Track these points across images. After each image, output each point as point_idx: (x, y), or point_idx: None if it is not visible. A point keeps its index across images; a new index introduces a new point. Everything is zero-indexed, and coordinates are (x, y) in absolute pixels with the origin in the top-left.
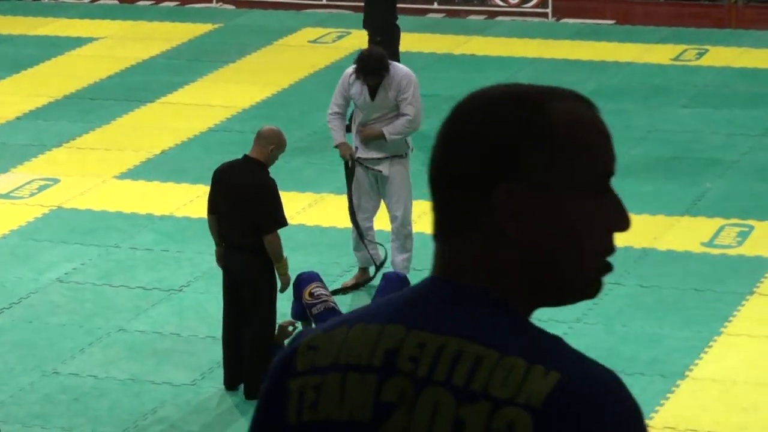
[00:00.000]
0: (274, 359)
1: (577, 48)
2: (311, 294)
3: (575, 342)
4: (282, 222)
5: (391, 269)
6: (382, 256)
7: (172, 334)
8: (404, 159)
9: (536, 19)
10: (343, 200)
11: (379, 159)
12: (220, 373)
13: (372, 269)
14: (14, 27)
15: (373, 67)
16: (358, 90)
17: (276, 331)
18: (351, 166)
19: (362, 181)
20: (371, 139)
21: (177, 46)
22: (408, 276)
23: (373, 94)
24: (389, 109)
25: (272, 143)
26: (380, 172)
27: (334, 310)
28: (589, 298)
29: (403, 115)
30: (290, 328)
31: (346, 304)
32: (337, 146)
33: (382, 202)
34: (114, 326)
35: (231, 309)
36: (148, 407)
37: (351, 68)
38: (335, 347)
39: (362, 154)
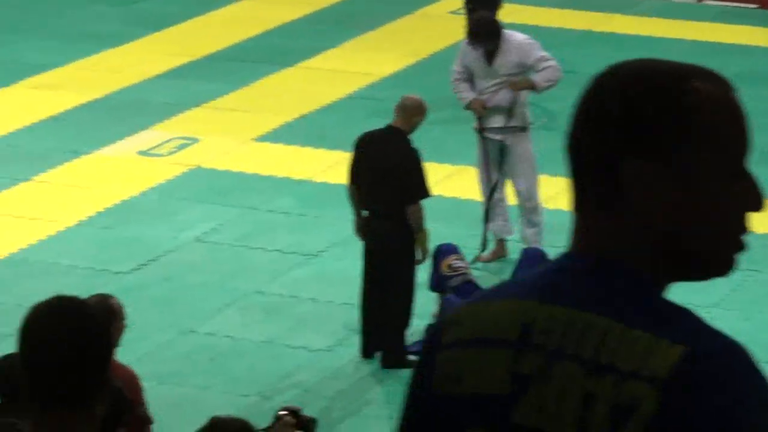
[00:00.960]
0: (427, 332)
1: (720, 30)
2: (450, 266)
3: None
4: (426, 193)
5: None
6: (513, 231)
7: (310, 298)
8: (526, 132)
9: (680, 0)
10: None
11: (500, 128)
12: (356, 340)
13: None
14: None
15: (484, 30)
16: (475, 57)
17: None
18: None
19: (488, 152)
20: (522, 89)
21: (319, 11)
22: (544, 250)
23: (490, 60)
24: (508, 74)
25: (416, 113)
26: (502, 141)
27: (471, 283)
28: (722, 276)
29: (545, 67)
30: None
31: (483, 277)
32: (467, 105)
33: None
34: (251, 288)
35: (370, 278)
36: (284, 370)
37: (465, 40)
38: (477, 322)
39: (484, 124)
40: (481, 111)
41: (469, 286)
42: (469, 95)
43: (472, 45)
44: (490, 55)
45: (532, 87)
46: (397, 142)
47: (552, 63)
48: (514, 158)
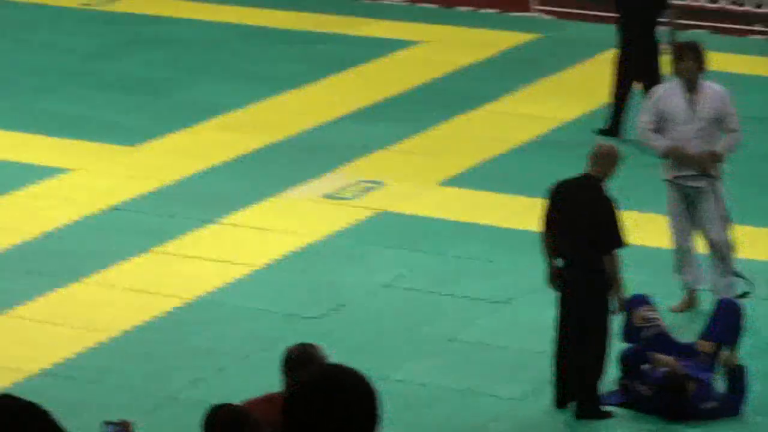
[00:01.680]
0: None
1: None
2: (643, 318)
3: None
4: (623, 242)
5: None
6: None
7: (501, 346)
8: (719, 180)
9: None
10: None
11: (695, 176)
12: (549, 390)
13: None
14: (336, 26)
15: (692, 46)
16: (674, 102)
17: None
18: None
19: (678, 201)
20: (710, 163)
21: (499, 54)
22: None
23: (692, 106)
24: (707, 121)
25: (611, 161)
26: (698, 188)
27: (664, 334)
28: None
29: (732, 130)
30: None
31: (674, 327)
32: (664, 152)
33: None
34: (443, 335)
35: (565, 327)
36: (477, 420)
37: (660, 86)
38: None
39: (676, 171)
40: (679, 155)
41: (662, 338)
42: (664, 143)
43: (679, 57)
44: (690, 99)
45: (719, 159)
46: (592, 190)
47: (736, 126)
48: (706, 206)
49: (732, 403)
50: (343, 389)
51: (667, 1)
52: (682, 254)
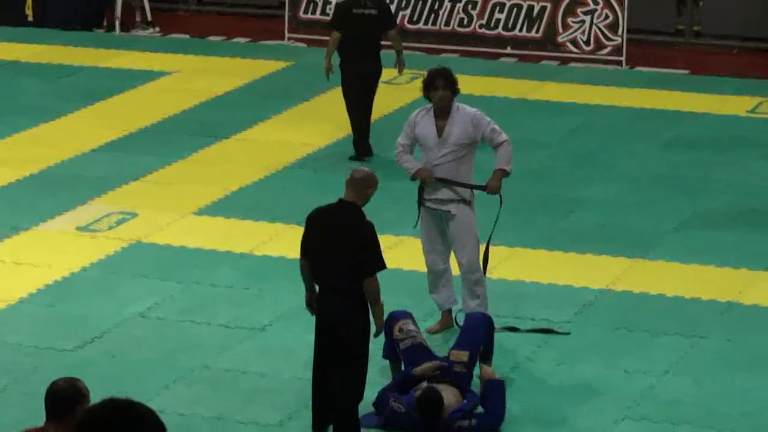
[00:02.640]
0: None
1: (651, 96)
2: (400, 329)
3: (664, 395)
4: (382, 265)
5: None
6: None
7: (257, 373)
8: (470, 204)
9: (610, 66)
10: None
11: (444, 201)
12: (306, 414)
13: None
14: (86, 58)
15: (442, 71)
16: (425, 127)
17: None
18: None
19: (431, 224)
20: (497, 188)
21: (250, 83)
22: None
23: (440, 131)
24: (457, 146)
25: (368, 185)
26: (449, 212)
27: (422, 346)
28: None
29: (500, 143)
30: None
31: (434, 345)
32: (414, 175)
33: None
34: (198, 363)
35: (323, 352)
36: None
37: (417, 111)
38: None
39: (428, 195)
40: (430, 180)
41: (419, 348)
42: (415, 165)
43: (432, 85)
44: (440, 129)
45: (506, 176)
46: (351, 216)
47: (504, 138)
48: (459, 230)
49: (488, 421)
50: (135, 422)
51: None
52: (435, 276)
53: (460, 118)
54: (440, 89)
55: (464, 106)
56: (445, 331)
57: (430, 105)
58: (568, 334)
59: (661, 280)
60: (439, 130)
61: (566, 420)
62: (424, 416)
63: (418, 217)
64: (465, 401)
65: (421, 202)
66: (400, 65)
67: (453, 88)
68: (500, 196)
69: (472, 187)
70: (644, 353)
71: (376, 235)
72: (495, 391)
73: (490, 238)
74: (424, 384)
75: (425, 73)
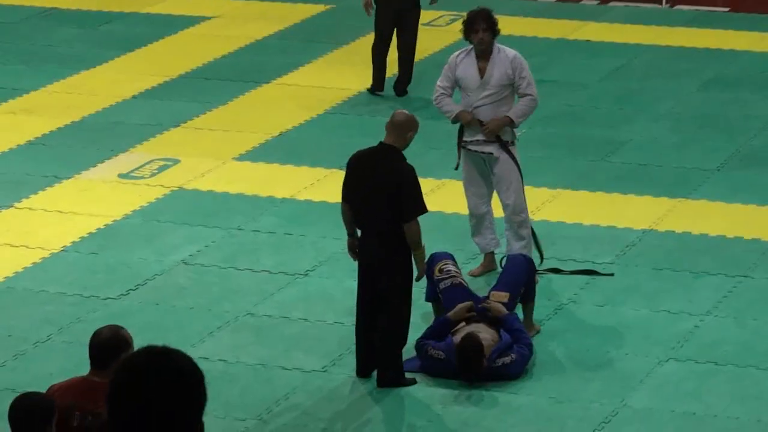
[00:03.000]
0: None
1: (692, 35)
2: (440, 270)
3: (707, 335)
4: (423, 209)
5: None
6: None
7: (300, 319)
8: (513, 145)
9: (650, 5)
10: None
11: (486, 141)
12: (350, 360)
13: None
14: (125, 5)
15: (484, 13)
16: (466, 69)
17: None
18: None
19: (472, 167)
20: (499, 130)
21: (289, 27)
22: (528, 256)
23: (482, 73)
24: (498, 87)
25: (409, 129)
26: (490, 153)
27: (461, 286)
28: None
29: (525, 95)
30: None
31: (476, 288)
32: (456, 117)
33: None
34: (241, 310)
35: (366, 297)
36: (279, 393)
37: (457, 52)
38: None
39: (468, 137)
40: (470, 122)
41: (457, 290)
42: (455, 108)
43: (472, 28)
44: (482, 70)
45: (510, 124)
46: (391, 160)
47: (532, 92)
48: (502, 171)
49: (521, 352)
50: (171, 370)
51: None
52: (477, 219)
53: (500, 60)
54: (481, 32)
55: (505, 48)
56: (487, 274)
57: (470, 47)
58: (612, 275)
59: (704, 219)
60: (481, 72)
61: (610, 362)
62: (465, 363)
63: (459, 158)
64: (501, 340)
65: (461, 145)
66: None
67: (494, 30)
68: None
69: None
70: (687, 294)
71: (417, 178)
72: (510, 323)
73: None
74: (463, 326)
75: (465, 14)
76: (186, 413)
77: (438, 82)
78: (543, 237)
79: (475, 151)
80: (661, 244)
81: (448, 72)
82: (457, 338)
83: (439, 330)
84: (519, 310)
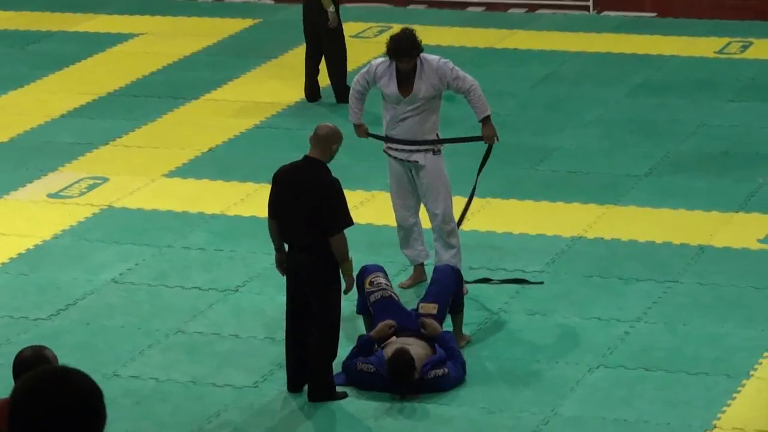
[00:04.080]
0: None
1: (619, 41)
2: (371, 282)
3: (637, 341)
4: (349, 222)
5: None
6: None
7: (231, 335)
8: (439, 154)
9: (577, 12)
10: None
11: (411, 150)
12: (281, 375)
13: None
14: (54, 23)
15: (406, 47)
16: (389, 84)
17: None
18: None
19: (400, 176)
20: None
21: (218, 42)
22: (455, 266)
23: (403, 86)
24: (426, 100)
25: (333, 141)
26: (416, 162)
27: (392, 299)
28: None
29: (469, 88)
30: (390, 330)
31: (407, 300)
32: (355, 126)
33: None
34: (172, 328)
35: (295, 311)
36: (211, 410)
37: (380, 60)
38: None
39: (395, 143)
40: (364, 136)
41: (387, 302)
42: (358, 119)
43: (392, 61)
44: (406, 78)
45: (490, 119)
46: (316, 173)
47: (471, 82)
48: (430, 180)
49: (456, 367)
50: (67, 389)
51: None
52: (406, 231)
53: (426, 73)
54: (404, 62)
55: (427, 57)
56: (417, 285)
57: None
58: (542, 283)
59: (633, 225)
60: (405, 88)
61: (541, 371)
62: (396, 376)
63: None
64: (436, 354)
65: (385, 151)
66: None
67: (417, 55)
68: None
69: (469, 140)
70: (617, 300)
71: (342, 191)
72: (445, 341)
73: (474, 187)
74: (393, 340)
75: (390, 34)
76: (84, 429)
77: (355, 84)
78: (473, 247)
79: (401, 160)
80: (590, 251)
81: (367, 77)
82: (388, 351)
83: (364, 349)
84: (448, 322)
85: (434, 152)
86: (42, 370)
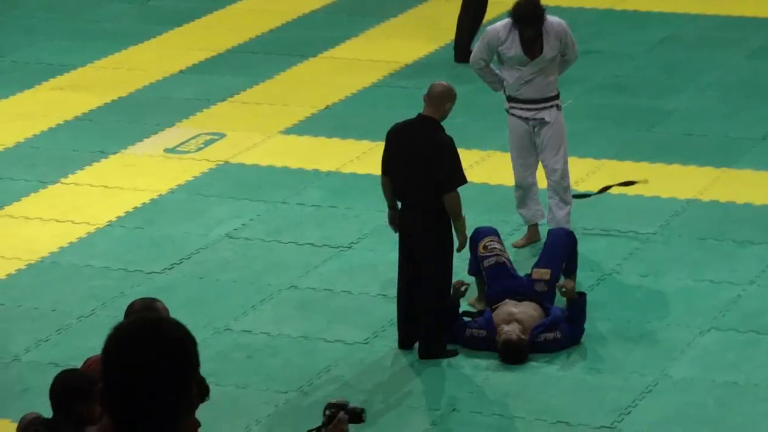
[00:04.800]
0: None
1: (740, 4)
2: (485, 247)
3: (749, 305)
4: (463, 179)
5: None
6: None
7: (343, 291)
8: (560, 110)
9: None
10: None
11: (539, 108)
12: (392, 332)
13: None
14: None
15: (532, 14)
16: (513, 47)
17: (451, 290)
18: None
19: (522, 135)
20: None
21: (337, 1)
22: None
23: (529, 49)
24: (549, 61)
25: (447, 100)
26: (543, 119)
27: (504, 265)
28: None
29: (567, 62)
30: (462, 288)
31: (517, 261)
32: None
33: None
34: (285, 283)
35: (407, 269)
36: (321, 365)
37: (502, 24)
38: None
39: (515, 103)
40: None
41: (501, 269)
42: (502, 84)
43: (519, 28)
44: (531, 42)
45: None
46: (429, 131)
47: (573, 57)
48: (552, 135)
49: (572, 333)
50: (156, 337)
51: None
52: (524, 190)
53: (549, 35)
54: (530, 31)
55: (550, 19)
56: (531, 245)
57: (512, 22)
58: (647, 182)
59: (749, 189)
60: (530, 50)
61: (652, 333)
62: (506, 359)
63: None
64: (547, 316)
65: (508, 111)
66: None
67: (543, 22)
68: None
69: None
70: (731, 263)
71: (456, 149)
72: (577, 304)
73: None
74: (505, 302)
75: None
76: (173, 379)
77: (477, 53)
78: (588, 207)
79: (526, 118)
80: (705, 213)
81: (490, 43)
82: (497, 314)
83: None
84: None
85: (558, 108)
86: (134, 319)
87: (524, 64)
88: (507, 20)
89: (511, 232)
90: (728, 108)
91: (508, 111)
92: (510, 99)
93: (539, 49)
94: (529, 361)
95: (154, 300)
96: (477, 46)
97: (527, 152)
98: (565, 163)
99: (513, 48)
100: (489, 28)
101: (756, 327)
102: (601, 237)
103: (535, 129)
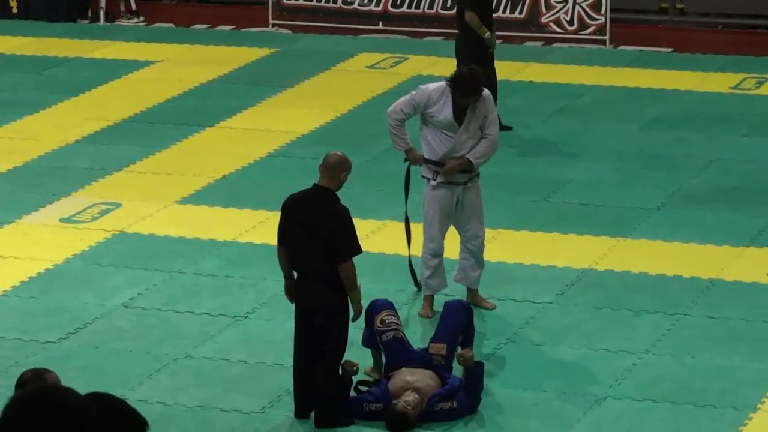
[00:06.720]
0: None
1: (635, 75)
2: (382, 321)
3: (645, 373)
4: (357, 249)
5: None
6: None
7: (240, 360)
8: (478, 178)
9: (593, 46)
10: (404, 228)
11: (471, 176)
12: (288, 401)
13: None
14: (70, 50)
15: (472, 86)
16: (443, 110)
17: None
18: (407, 173)
19: (447, 203)
20: (456, 172)
21: (234, 71)
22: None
23: (460, 118)
24: (477, 129)
25: (342, 170)
26: (465, 183)
27: (402, 340)
28: None
29: (486, 135)
30: (354, 368)
31: (415, 333)
32: (407, 154)
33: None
34: (181, 352)
35: (303, 338)
36: None
37: (434, 86)
38: None
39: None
40: (418, 162)
41: (399, 344)
42: (405, 142)
43: (457, 96)
44: (460, 114)
45: (467, 165)
46: (325, 201)
47: (493, 133)
48: (475, 205)
49: (469, 402)
50: (51, 407)
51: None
52: (440, 260)
53: (479, 103)
54: (467, 101)
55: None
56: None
57: (446, 87)
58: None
59: (644, 258)
60: (460, 117)
61: (548, 401)
62: (392, 428)
63: (407, 199)
64: (444, 385)
65: (408, 184)
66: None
67: (481, 94)
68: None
69: (433, 163)
70: (626, 332)
71: (351, 219)
72: (474, 374)
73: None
74: (402, 370)
75: (403, 65)
76: None
77: (401, 106)
78: (484, 276)
79: (455, 185)
80: (600, 282)
81: (416, 104)
82: (394, 382)
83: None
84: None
85: (478, 175)
86: (29, 389)
87: (452, 130)
88: (441, 83)
89: (406, 301)
90: (623, 178)
91: (431, 179)
92: (439, 164)
93: (466, 115)
94: (425, 428)
95: (45, 370)
96: (403, 99)
97: (448, 220)
98: (483, 227)
99: (444, 112)
100: (422, 87)
101: (652, 395)
102: (497, 305)
103: (460, 196)
